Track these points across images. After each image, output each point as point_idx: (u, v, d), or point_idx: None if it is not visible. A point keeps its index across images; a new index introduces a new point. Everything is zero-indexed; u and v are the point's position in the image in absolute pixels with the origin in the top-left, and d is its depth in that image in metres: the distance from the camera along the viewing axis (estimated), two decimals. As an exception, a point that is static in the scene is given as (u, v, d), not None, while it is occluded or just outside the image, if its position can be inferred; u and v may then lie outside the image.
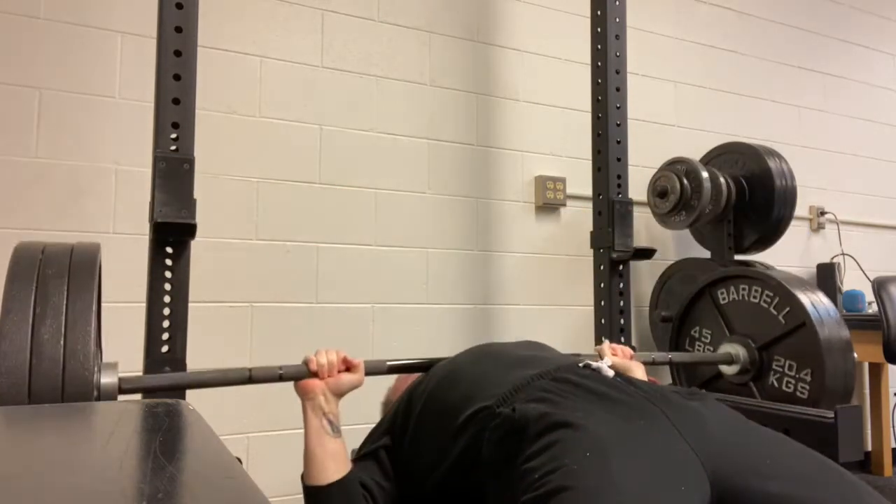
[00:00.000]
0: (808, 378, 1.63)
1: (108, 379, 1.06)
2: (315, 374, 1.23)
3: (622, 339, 1.99)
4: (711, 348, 1.86)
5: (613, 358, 1.54)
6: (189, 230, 1.39)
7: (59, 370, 0.90)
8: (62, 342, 0.91)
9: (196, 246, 1.45)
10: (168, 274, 1.39)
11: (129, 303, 1.79)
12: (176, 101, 1.42)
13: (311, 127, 2.15)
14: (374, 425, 1.33)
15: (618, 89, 2.04)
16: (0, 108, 1.77)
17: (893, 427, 3.14)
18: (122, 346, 1.86)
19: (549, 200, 2.48)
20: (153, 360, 1.36)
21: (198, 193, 1.43)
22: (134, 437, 0.72)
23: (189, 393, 1.38)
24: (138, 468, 0.59)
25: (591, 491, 0.83)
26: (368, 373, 1.28)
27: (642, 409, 1.00)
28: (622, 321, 2.00)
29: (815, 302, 1.67)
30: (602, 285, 2.02)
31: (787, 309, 1.68)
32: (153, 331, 1.37)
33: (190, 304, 1.42)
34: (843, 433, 1.31)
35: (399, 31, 2.31)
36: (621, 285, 2.02)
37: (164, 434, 0.76)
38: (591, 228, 2.07)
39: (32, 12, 1.83)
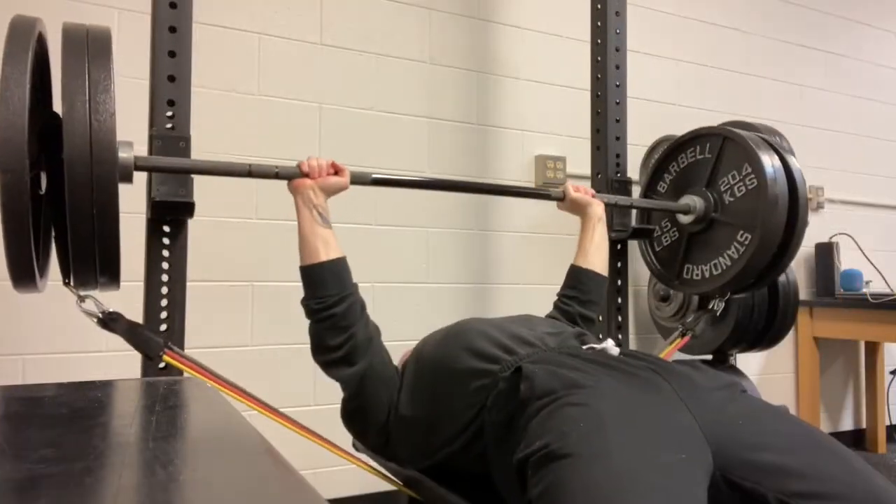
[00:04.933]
0: (749, 169, 1.71)
1: (125, 154, 1.16)
2: (306, 175, 1.34)
3: (619, 318, 2.00)
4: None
5: (576, 194, 1.68)
6: (187, 209, 1.39)
7: (87, 146, 1.02)
8: (88, 117, 1.03)
9: (195, 225, 1.45)
10: (166, 253, 1.39)
11: (128, 281, 1.79)
12: (171, 79, 1.41)
13: (311, 105, 2.14)
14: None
15: (617, 67, 2.02)
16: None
17: (888, 404, 3.17)
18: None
19: (549, 180, 2.47)
20: (153, 338, 1.36)
21: (196, 172, 1.43)
22: (156, 413, 0.73)
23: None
24: (166, 441, 0.59)
25: (590, 458, 0.85)
26: (354, 182, 1.41)
27: (647, 378, 1.02)
28: (619, 300, 2.01)
29: (731, 127, 1.83)
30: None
31: (709, 143, 1.83)
32: (151, 310, 1.38)
33: (190, 284, 1.43)
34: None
35: (398, 7, 2.29)
36: (619, 265, 2.02)
37: (185, 411, 0.77)
38: (589, 208, 2.07)
39: (27, -12, 1.81)
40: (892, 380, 3.15)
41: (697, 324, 1.88)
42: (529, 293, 2.43)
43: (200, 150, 1.51)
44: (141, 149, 1.45)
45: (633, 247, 2.09)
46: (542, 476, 0.87)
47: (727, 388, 1.06)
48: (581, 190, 1.70)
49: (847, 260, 3.09)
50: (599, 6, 2.04)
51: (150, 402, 0.79)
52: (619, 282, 2.02)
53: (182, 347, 1.39)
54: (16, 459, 0.54)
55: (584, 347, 1.16)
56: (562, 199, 1.70)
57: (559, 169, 2.49)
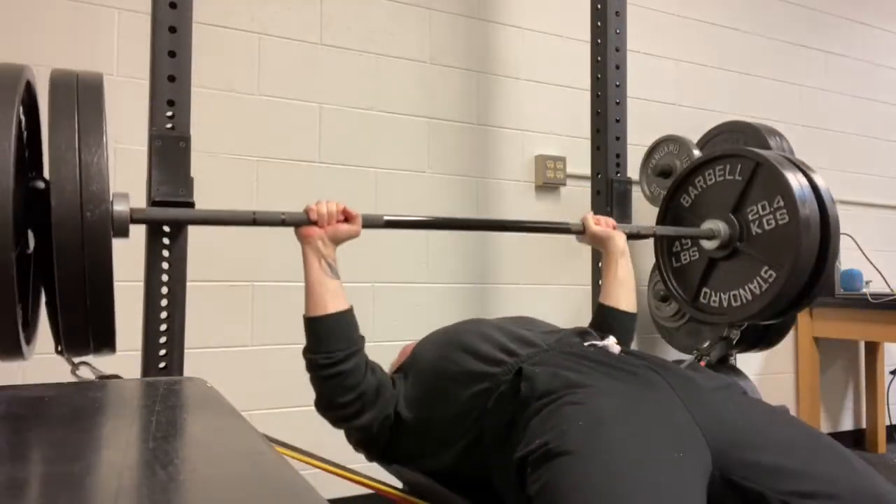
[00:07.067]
0: (781, 202, 1.64)
1: (120, 207, 1.11)
2: (315, 223, 1.28)
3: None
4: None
5: (596, 227, 1.59)
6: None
7: (77, 208, 0.96)
8: (78, 170, 0.97)
9: (195, 225, 1.45)
10: (165, 253, 1.39)
11: (128, 281, 1.79)
12: (171, 79, 1.41)
13: (311, 105, 2.14)
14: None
15: (617, 67, 2.02)
16: (-4, 85, 1.76)
17: (888, 404, 3.17)
18: (121, 325, 1.87)
19: (549, 180, 2.47)
20: (151, 339, 1.36)
21: (197, 172, 1.43)
22: (155, 413, 0.73)
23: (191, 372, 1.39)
24: (166, 441, 0.59)
25: (587, 456, 0.86)
26: (366, 226, 1.35)
27: (646, 378, 1.03)
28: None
29: (760, 149, 1.75)
30: (600, 264, 2.02)
31: (739, 165, 1.73)
32: (151, 310, 1.37)
33: (190, 283, 1.43)
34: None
35: (399, 7, 2.29)
36: (619, 264, 2.02)
37: (185, 411, 0.77)
38: (590, 208, 2.07)
39: (27, -12, 1.81)
40: (892, 380, 3.14)
41: (713, 350, 1.84)
42: (529, 293, 2.43)
43: (200, 150, 1.51)
44: (143, 149, 1.45)
45: (634, 247, 2.09)
46: (540, 473, 0.88)
47: (726, 388, 1.06)
48: (602, 222, 1.61)
49: (847, 260, 3.09)
50: (599, 6, 2.04)
51: (150, 402, 0.79)
52: (619, 282, 2.01)
53: (182, 347, 1.39)
54: (16, 459, 0.54)
55: (586, 344, 1.16)
56: (581, 233, 1.63)
57: (559, 169, 2.49)
